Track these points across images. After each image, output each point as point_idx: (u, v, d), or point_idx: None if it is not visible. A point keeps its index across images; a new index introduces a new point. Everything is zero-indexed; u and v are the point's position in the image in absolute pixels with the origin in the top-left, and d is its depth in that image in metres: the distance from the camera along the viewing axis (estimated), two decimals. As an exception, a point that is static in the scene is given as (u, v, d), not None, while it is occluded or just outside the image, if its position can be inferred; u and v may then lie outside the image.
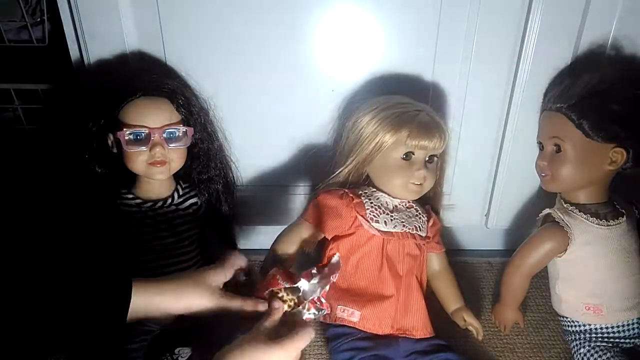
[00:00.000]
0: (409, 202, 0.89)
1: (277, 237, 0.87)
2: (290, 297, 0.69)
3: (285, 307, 0.69)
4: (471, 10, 0.84)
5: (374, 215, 0.85)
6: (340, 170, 0.88)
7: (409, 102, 0.85)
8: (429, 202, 0.93)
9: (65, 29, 0.85)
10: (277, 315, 0.66)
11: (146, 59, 0.87)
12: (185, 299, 0.64)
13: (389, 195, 0.87)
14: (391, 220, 0.86)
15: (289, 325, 0.65)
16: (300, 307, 0.70)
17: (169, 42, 0.86)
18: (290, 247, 0.85)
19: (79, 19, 0.83)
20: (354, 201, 0.85)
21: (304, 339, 0.62)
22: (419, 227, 0.88)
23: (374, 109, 0.84)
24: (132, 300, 0.60)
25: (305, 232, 0.86)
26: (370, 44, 0.88)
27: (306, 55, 0.88)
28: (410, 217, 0.88)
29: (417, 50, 0.88)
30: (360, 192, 0.87)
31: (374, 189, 0.88)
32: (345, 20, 0.85)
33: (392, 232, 0.85)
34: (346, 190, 0.86)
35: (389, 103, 0.85)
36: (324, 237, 0.87)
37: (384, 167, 0.85)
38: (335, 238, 0.87)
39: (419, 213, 0.89)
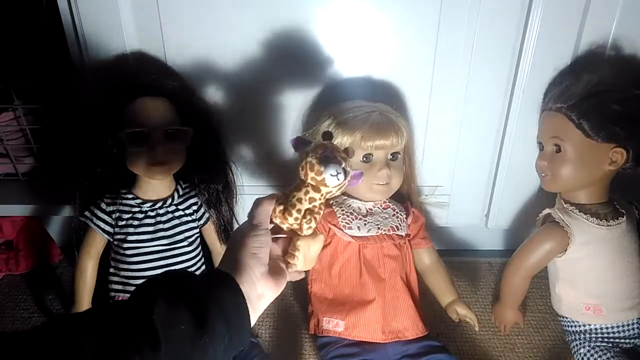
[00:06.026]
0: (384, 202, 0.88)
1: None
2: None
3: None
4: (471, 11, 0.84)
5: (346, 223, 0.85)
6: None
7: (362, 104, 0.85)
8: (407, 199, 0.94)
9: (65, 29, 0.85)
10: None
11: (146, 59, 0.87)
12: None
13: (359, 199, 0.87)
14: (365, 224, 0.85)
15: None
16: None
17: (169, 42, 0.86)
18: None
19: (79, 19, 0.83)
20: (325, 211, 0.84)
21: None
22: (397, 226, 0.87)
23: (330, 117, 0.85)
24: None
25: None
26: (370, 44, 0.87)
27: (307, 55, 0.88)
28: (386, 218, 0.87)
29: (417, 50, 0.88)
30: (332, 201, 0.87)
31: (345, 196, 0.88)
32: (345, 21, 0.85)
33: (367, 237, 0.85)
34: None
35: (343, 108, 0.85)
36: None
37: None
38: None
39: (397, 212, 0.89)
